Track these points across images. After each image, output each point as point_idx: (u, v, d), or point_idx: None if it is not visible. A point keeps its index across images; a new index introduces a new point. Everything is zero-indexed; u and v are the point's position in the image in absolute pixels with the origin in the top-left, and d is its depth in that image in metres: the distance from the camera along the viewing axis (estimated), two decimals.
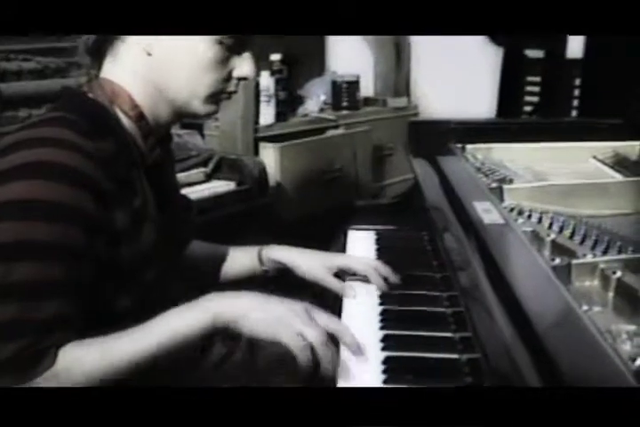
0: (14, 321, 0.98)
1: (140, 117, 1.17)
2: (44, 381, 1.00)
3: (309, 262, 1.41)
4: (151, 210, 1.19)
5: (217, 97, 1.20)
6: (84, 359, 1.03)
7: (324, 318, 1.10)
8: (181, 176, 2.37)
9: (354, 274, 1.43)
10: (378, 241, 1.69)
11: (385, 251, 1.63)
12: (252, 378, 1.30)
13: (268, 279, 1.49)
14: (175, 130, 2.65)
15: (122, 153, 1.12)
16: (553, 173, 1.73)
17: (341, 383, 1.05)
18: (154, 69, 1.16)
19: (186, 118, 2.71)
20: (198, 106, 1.19)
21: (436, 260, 1.49)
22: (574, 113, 3.09)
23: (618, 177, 1.70)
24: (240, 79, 1.21)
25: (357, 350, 1.11)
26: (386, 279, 1.38)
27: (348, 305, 1.34)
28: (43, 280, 1.00)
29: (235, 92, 1.23)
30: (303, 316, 1.08)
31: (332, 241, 1.75)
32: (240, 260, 1.49)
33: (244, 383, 1.29)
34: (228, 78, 1.20)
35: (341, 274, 1.43)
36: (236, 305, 1.10)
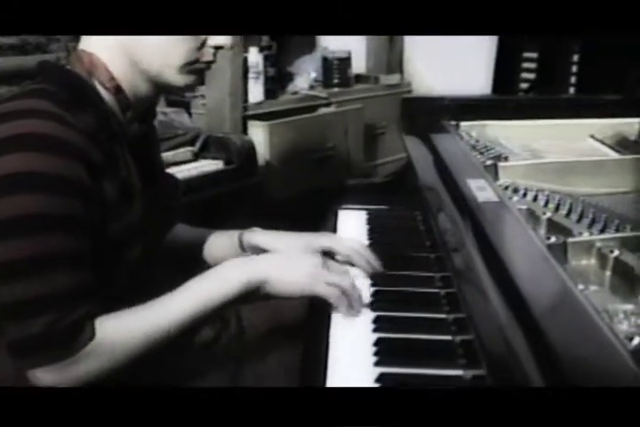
0: (36, 297, 1.01)
1: (117, 90, 1.16)
2: (88, 355, 1.04)
3: (290, 247, 1.40)
4: (137, 185, 1.19)
5: (192, 67, 1.17)
6: (125, 328, 1.08)
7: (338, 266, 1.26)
8: (168, 155, 2.37)
9: None
10: (369, 221, 1.69)
11: (376, 231, 1.62)
12: (240, 361, 1.30)
13: None
14: (161, 108, 2.64)
15: (102, 125, 1.11)
16: (549, 151, 1.73)
17: (331, 364, 1.05)
18: (125, 39, 1.14)
19: (172, 96, 2.73)
20: (174, 76, 1.17)
21: (429, 240, 1.48)
22: (572, 90, 3.08)
23: (616, 156, 1.70)
24: (216, 48, 1.19)
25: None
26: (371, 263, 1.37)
27: None
28: (52, 253, 1.02)
29: (212, 61, 1.20)
30: (326, 267, 1.20)
31: (322, 221, 1.75)
32: (221, 245, 1.48)
33: (231, 367, 1.28)
34: (202, 47, 1.18)
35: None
36: (265, 266, 1.19)
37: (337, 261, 1.37)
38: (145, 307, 1.10)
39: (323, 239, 1.41)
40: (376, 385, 1.00)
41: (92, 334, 1.04)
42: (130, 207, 1.15)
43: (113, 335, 1.06)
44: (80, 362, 1.04)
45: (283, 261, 1.23)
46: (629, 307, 0.95)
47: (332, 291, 1.17)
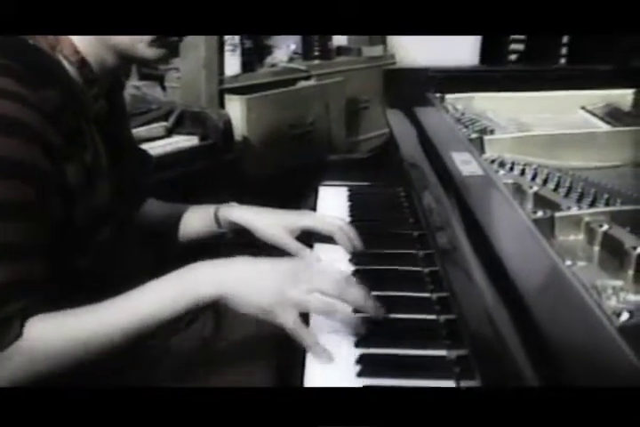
0: None
1: (82, 64, 1.13)
2: (7, 357, 0.99)
3: (268, 224, 1.40)
4: (104, 164, 1.17)
5: (164, 40, 1.15)
6: (51, 334, 1.01)
7: (321, 278, 1.07)
8: (141, 131, 2.35)
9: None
10: (350, 198, 1.69)
11: (358, 208, 1.62)
12: (214, 350, 1.29)
13: None
14: (133, 81, 2.62)
15: (68, 103, 1.08)
16: (539, 125, 1.73)
17: (311, 347, 1.05)
18: None
19: (145, 69, 2.70)
20: (144, 50, 1.14)
21: (412, 217, 1.49)
22: (563, 61, 3.08)
23: (608, 128, 1.70)
24: None
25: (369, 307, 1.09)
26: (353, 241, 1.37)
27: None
28: None
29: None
30: (302, 284, 1.05)
31: (302, 199, 1.75)
32: (196, 221, 1.48)
33: (203, 356, 1.27)
34: None
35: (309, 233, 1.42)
36: (225, 279, 1.07)
37: (319, 239, 1.39)
38: (87, 311, 1.04)
39: (304, 219, 1.41)
40: (357, 367, 1.00)
41: (17, 335, 0.99)
42: (96, 189, 1.13)
43: (42, 338, 1.01)
44: (5, 361, 0.99)
45: (250, 277, 1.08)
46: (618, 283, 0.95)
47: (294, 326, 1.04)
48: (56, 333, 1.02)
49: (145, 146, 2.14)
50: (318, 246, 1.41)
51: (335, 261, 1.34)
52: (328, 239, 1.40)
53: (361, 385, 0.97)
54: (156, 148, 2.34)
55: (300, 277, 1.06)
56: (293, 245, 1.38)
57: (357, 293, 1.07)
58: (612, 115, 1.77)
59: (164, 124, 2.50)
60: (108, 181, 1.17)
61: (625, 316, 0.82)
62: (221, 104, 2.75)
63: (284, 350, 1.18)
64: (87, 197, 1.11)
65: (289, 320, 1.04)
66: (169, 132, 2.50)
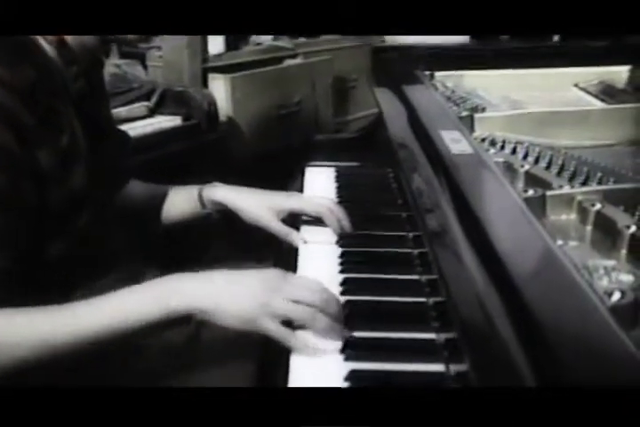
0: None
1: (60, 42, 1.12)
2: None
3: (253, 204, 1.39)
4: (82, 147, 1.16)
5: None
6: (14, 329, 0.98)
7: (301, 289, 1.06)
8: (121, 111, 2.34)
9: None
10: (338, 178, 1.69)
11: (346, 189, 1.62)
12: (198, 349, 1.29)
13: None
14: (114, 60, 2.60)
15: (44, 83, 1.07)
16: (531, 102, 1.73)
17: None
18: None
19: (126, 47, 2.68)
20: None
21: (401, 197, 1.48)
22: (556, 37, 3.07)
23: (601, 106, 1.70)
24: None
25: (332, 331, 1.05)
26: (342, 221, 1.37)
27: (304, 247, 1.34)
28: None
29: None
30: (282, 294, 1.03)
31: (288, 180, 1.75)
32: (180, 202, 1.48)
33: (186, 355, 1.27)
34: None
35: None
36: (201, 294, 1.04)
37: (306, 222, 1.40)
38: (48, 310, 1.00)
39: (291, 201, 1.41)
40: (344, 351, 1.01)
41: None
42: (72, 173, 1.11)
43: (6, 333, 0.97)
44: None
45: (229, 289, 1.05)
46: (610, 262, 0.95)
47: (281, 333, 1.02)
48: (23, 328, 0.99)
49: (126, 126, 2.14)
50: (305, 229, 1.41)
51: (322, 243, 1.34)
52: (315, 222, 1.40)
53: (349, 369, 0.96)
54: (137, 128, 2.33)
55: (279, 286, 1.04)
56: (279, 227, 1.38)
57: (334, 309, 1.05)
58: (606, 92, 1.77)
59: (145, 103, 2.49)
60: (86, 163, 1.15)
61: (617, 296, 0.82)
62: (205, 83, 2.73)
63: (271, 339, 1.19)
64: (63, 180, 1.09)
65: (271, 327, 1.02)
66: (151, 113, 2.49)
